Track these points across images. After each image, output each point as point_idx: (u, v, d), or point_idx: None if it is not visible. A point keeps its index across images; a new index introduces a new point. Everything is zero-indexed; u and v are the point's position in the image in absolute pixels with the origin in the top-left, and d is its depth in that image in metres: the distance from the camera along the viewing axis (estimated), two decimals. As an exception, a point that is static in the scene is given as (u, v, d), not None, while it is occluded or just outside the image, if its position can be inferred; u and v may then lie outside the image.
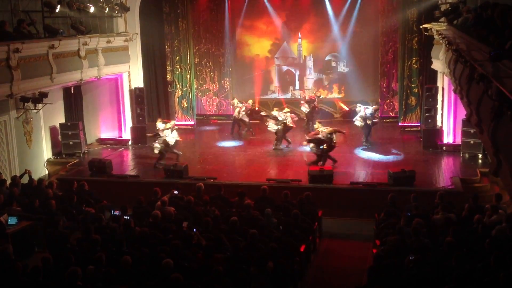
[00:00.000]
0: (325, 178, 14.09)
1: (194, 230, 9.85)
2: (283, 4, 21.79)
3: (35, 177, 14.51)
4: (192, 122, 21.76)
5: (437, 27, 15.17)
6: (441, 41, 14.13)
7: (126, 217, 10.68)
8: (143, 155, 17.94)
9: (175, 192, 12.39)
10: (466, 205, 10.70)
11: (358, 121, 17.82)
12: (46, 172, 16.64)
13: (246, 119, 19.63)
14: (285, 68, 22.61)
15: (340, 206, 13.55)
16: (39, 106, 14.58)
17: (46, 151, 16.86)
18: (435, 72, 18.13)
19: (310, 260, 10.73)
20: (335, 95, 22.06)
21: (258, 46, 22.43)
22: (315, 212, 11.77)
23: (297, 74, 22.52)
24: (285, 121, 17.32)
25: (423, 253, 8.32)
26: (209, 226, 9.98)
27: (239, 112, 19.55)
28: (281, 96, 22.20)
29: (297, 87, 22.46)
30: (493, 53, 5.01)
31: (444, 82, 17.34)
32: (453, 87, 11.82)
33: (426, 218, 10.27)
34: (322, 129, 15.49)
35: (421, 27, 17.54)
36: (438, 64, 16.44)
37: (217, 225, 10.13)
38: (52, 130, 17.29)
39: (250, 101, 20.25)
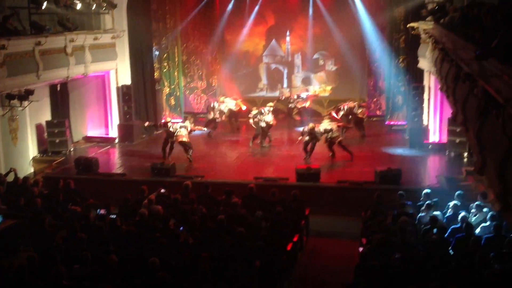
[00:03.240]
0: (312, 176, 14.11)
1: (181, 228, 9.82)
2: (272, 2, 21.77)
3: (21, 175, 14.36)
4: (180, 120, 21.68)
5: (424, 26, 15.26)
6: (427, 40, 14.22)
7: (112, 216, 10.62)
8: (130, 153, 17.85)
9: (162, 190, 12.34)
10: (451, 204, 10.76)
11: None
12: (32, 170, 16.49)
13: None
14: (273, 66, 22.62)
15: (327, 204, 13.56)
16: (25, 103, 14.43)
17: (32, 149, 16.71)
18: (421, 71, 18.23)
19: (297, 259, 10.74)
20: (322, 93, 22.09)
21: (247, 44, 22.41)
22: (302, 210, 11.79)
23: (285, 72, 22.55)
24: (267, 119, 17.36)
25: (409, 251, 8.37)
26: (196, 224, 9.96)
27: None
28: (269, 94, 22.19)
29: (285, 85, 22.49)
30: (479, 52, 5.04)
31: (430, 81, 17.44)
32: (439, 86, 11.88)
33: (412, 216, 10.33)
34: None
35: (408, 26, 17.63)
36: (425, 62, 16.53)
37: (204, 224, 10.11)
38: (38, 128, 17.14)
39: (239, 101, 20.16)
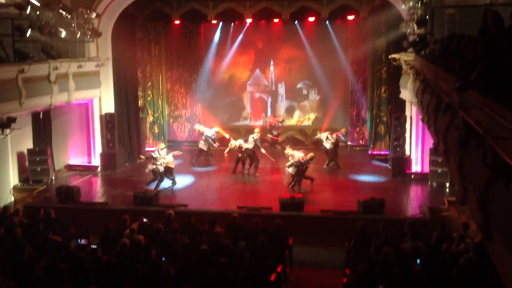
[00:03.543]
0: (296, 206, 14.09)
1: (164, 258, 9.69)
2: (256, 32, 22.02)
3: (1, 204, 14.17)
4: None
5: (405, 57, 15.50)
6: (409, 71, 14.43)
7: (93, 246, 10.46)
8: (112, 182, 17.71)
9: (145, 220, 12.21)
10: (434, 234, 10.78)
11: (327, 144, 18.32)
12: (12, 199, 16.25)
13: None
14: (257, 95, 22.76)
15: (311, 234, 13.52)
16: (7, 131, 14.27)
17: (12, 177, 16.50)
18: (403, 101, 18.44)
19: (280, 289, 10.64)
20: (306, 122, 22.24)
21: (231, 72, 22.56)
22: (285, 240, 11.72)
23: (269, 101, 22.69)
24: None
25: (393, 282, 8.33)
26: (178, 254, 9.85)
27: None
28: (253, 123, 22.27)
29: (269, 113, 22.60)
30: (459, 84, 5.11)
31: (412, 111, 17.63)
32: (421, 116, 12.01)
33: (395, 247, 10.32)
34: (298, 154, 15.65)
35: (389, 57, 17.89)
36: (406, 93, 16.74)
37: (187, 254, 9.99)
38: (20, 156, 16.95)
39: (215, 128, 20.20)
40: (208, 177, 18.01)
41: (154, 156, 16.24)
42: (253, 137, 18.00)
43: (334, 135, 18.48)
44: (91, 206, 15.06)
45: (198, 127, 20.03)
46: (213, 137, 19.35)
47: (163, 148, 16.82)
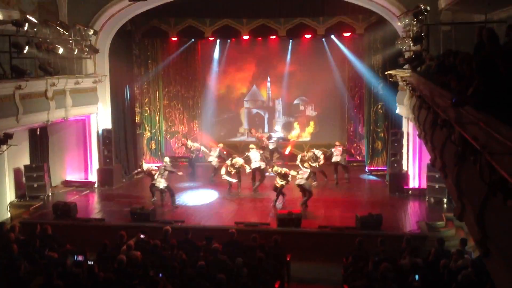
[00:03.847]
0: (294, 222, 14.06)
1: (161, 275, 9.64)
2: (253, 48, 22.14)
3: (-3, 220, 14.12)
4: (161, 164, 21.59)
5: (401, 74, 15.58)
6: (405, 87, 14.50)
7: (90, 262, 10.40)
8: (109, 198, 17.66)
9: (142, 236, 12.16)
10: (432, 250, 10.77)
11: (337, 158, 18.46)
12: (9, 215, 16.18)
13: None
14: (254, 111, 22.82)
15: (308, 250, 13.48)
16: (4, 147, 14.25)
17: (9, 194, 16.44)
18: (400, 117, 18.50)
19: (278, 305, 10.58)
20: (303, 138, 22.26)
21: (228, 89, 22.64)
22: (283, 256, 11.68)
23: (266, 117, 22.75)
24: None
25: (391, 298, 8.30)
26: (176, 271, 9.80)
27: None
28: (250, 139, 22.26)
29: (266, 129, 22.64)
30: (455, 100, 5.15)
31: (409, 127, 17.68)
32: (417, 132, 12.05)
33: (393, 263, 10.29)
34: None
35: (386, 73, 17.98)
36: (403, 109, 16.81)
37: (184, 270, 9.94)
38: (16, 172, 16.90)
39: (221, 145, 20.19)
40: (205, 193, 17.95)
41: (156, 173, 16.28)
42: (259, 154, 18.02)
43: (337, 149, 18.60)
44: (88, 222, 15.00)
45: (191, 144, 20.12)
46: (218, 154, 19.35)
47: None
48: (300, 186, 15.63)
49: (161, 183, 16.09)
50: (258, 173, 17.77)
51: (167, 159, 17.44)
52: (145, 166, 17.26)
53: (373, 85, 20.07)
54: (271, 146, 20.41)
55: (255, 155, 17.98)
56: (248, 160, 17.82)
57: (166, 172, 16.31)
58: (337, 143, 19.04)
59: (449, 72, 6.87)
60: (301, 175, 15.72)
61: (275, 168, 16.15)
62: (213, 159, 19.12)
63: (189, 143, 20.21)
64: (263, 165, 17.83)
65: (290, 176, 15.67)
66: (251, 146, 18.66)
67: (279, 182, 15.70)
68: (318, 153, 18.01)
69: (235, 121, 22.82)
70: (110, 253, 11.19)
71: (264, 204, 16.41)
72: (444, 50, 10.13)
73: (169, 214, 15.54)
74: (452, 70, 6.61)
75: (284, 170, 15.88)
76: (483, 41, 5.36)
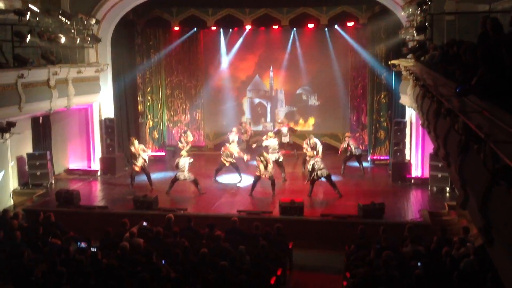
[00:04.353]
0: (296, 210, 14.10)
1: (163, 262, 9.70)
2: (256, 38, 22.07)
3: (0, 208, 14.16)
4: (163, 153, 21.66)
5: (404, 63, 15.55)
6: (408, 76, 14.48)
7: (93, 249, 10.47)
8: (112, 186, 17.72)
9: (144, 223, 12.23)
10: (434, 238, 10.81)
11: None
12: (12, 203, 16.25)
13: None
14: (257, 100, 22.79)
15: (310, 238, 13.54)
16: (7, 135, 14.29)
17: (12, 182, 16.50)
18: (403, 107, 18.48)
19: (280, 293, 10.65)
20: (305, 128, 22.25)
21: (231, 78, 22.60)
22: (285, 244, 11.74)
23: (268, 106, 22.72)
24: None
25: (393, 286, 8.35)
26: (178, 258, 9.86)
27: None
28: (253, 128, 22.26)
29: (268, 119, 22.64)
30: (459, 89, 5.15)
31: (412, 117, 17.68)
32: (421, 122, 12.05)
33: (396, 251, 10.34)
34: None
35: (389, 63, 17.94)
36: (406, 99, 16.78)
37: (187, 257, 10.01)
38: (19, 160, 16.98)
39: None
40: (207, 181, 17.98)
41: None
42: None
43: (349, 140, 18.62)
44: (91, 210, 15.07)
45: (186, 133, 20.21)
46: None
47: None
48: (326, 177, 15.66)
49: (185, 175, 16.15)
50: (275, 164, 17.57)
51: (184, 152, 17.18)
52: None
53: (376, 75, 20.03)
54: (286, 140, 20.32)
55: (272, 142, 17.93)
56: (266, 149, 17.77)
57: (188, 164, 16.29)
58: (347, 134, 19.03)
59: (453, 62, 6.87)
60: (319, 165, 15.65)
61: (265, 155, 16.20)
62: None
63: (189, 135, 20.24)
64: (280, 156, 17.77)
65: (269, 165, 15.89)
66: (270, 134, 18.59)
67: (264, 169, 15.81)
68: (315, 144, 17.99)
69: (237, 110, 22.79)
70: (113, 240, 11.27)
71: (266, 192, 16.40)
72: (447, 39, 10.09)
73: (172, 202, 15.59)
74: (456, 59, 6.61)
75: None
76: (487, 31, 5.35)
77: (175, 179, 16.32)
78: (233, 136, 19.22)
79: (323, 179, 15.65)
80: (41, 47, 15.56)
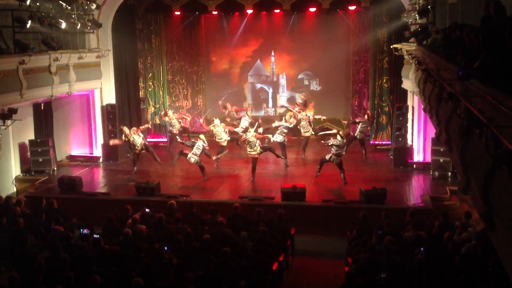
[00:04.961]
0: (298, 195, 14.11)
1: (166, 248, 9.74)
2: (257, 23, 21.93)
3: (3, 194, 14.21)
4: (165, 139, 21.66)
5: (407, 47, 15.44)
6: (411, 61, 14.39)
7: (95, 235, 10.51)
8: (114, 172, 17.74)
9: (147, 209, 12.26)
10: (436, 223, 10.81)
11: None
12: (14, 189, 16.31)
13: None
14: (258, 85, 22.72)
15: (312, 224, 13.57)
16: (8, 122, 14.28)
17: (14, 168, 16.55)
18: (405, 91, 18.41)
19: (282, 279, 10.69)
20: (307, 113, 22.16)
21: (232, 64, 22.52)
22: (287, 230, 11.76)
23: (270, 91, 22.65)
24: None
25: (395, 271, 8.37)
26: (181, 244, 9.89)
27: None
28: (255, 114, 22.19)
29: (270, 104, 22.59)
30: (461, 73, 5.10)
31: (414, 101, 17.60)
32: (422, 106, 12.00)
33: (397, 236, 10.35)
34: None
35: (391, 47, 17.83)
36: (408, 83, 16.71)
37: (189, 243, 10.03)
38: (21, 147, 16.99)
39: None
40: (209, 167, 17.98)
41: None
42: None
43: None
44: (93, 197, 15.10)
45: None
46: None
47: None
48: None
49: (197, 159, 16.00)
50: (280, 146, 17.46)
51: (202, 136, 16.80)
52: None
53: (378, 59, 19.92)
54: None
55: (284, 125, 17.77)
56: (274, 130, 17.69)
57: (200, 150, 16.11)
58: (357, 119, 19.00)
59: (455, 46, 6.81)
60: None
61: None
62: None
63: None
64: (284, 139, 17.59)
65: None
66: (287, 117, 18.40)
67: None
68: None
69: (239, 96, 22.72)
70: (116, 226, 11.30)
71: (268, 178, 16.42)
72: (450, 23, 10.00)
73: (174, 188, 15.61)
74: (458, 43, 6.55)
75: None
76: (490, 14, 5.29)
77: (184, 154, 16.19)
78: (244, 123, 18.79)
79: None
80: (41, 32, 15.50)
